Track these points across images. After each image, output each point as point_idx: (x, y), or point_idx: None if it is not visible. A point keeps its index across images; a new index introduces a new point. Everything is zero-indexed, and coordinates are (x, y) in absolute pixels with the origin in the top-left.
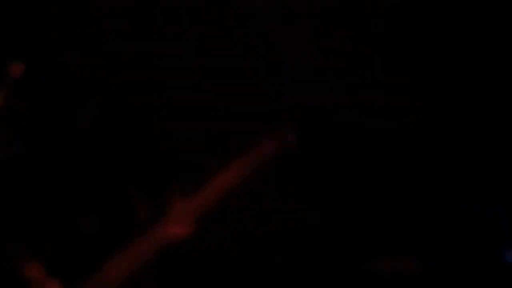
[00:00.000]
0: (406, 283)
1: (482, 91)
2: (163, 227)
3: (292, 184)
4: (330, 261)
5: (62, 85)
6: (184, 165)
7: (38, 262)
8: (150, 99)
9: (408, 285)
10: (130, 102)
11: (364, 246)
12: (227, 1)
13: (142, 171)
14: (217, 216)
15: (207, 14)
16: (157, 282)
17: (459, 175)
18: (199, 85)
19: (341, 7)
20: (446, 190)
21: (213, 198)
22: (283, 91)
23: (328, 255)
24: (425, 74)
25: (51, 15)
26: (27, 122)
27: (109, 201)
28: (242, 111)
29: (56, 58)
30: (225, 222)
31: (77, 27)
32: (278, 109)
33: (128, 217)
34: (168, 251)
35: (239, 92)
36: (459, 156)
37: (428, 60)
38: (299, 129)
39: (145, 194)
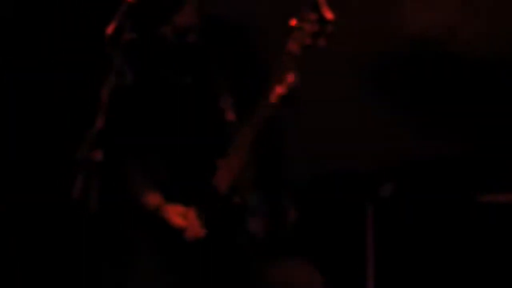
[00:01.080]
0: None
1: None
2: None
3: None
4: (439, 190)
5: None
6: None
7: (155, 189)
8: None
9: None
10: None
11: (475, 177)
12: None
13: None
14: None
15: None
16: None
17: None
18: None
19: None
20: None
21: None
22: None
23: (437, 184)
24: None
25: None
26: (138, 51)
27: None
28: None
29: None
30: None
31: None
32: None
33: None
34: None
35: None
36: None
37: None
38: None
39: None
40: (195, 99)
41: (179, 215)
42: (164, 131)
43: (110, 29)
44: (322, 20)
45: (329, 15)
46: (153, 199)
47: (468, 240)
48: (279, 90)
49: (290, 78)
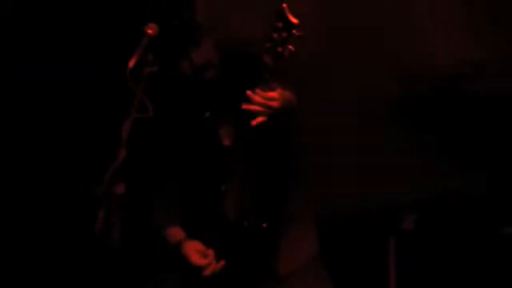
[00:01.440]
0: None
1: None
2: None
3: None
4: (463, 225)
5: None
6: None
7: (178, 225)
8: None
9: None
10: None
11: (497, 210)
12: None
13: None
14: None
15: None
16: None
17: None
18: None
19: None
20: None
21: None
22: None
23: (462, 219)
24: None
25: None
26: (158, 85)
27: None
28: None
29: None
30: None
31: None
32: None
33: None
34: None
35: None
36: None
37: None
38: None
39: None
40: (211, 130)
41: (198, 253)
42: (182, 163)
43: (131, 63)
44: (288, 26)
45: (293, 20)
46: (174, 233)
47: (491, 273)
48: (260, 101)
49: (277, 92)
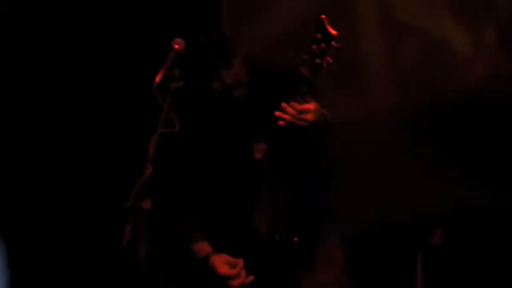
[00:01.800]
0: None
1: None
2: None
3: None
4: (491, 239)
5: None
6: None
7: (205, 240)
8: None
9: None
10: None
11: None
12: None
13: None
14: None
15: None
16: None
17: None
18: None
19: None
20: None
21: None
22: None
23: (489, 233)
24: None
25: None
26: (185, 100)
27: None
28: None
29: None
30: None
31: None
32: None
33: None
34: None
35: None
36: None
37: None
38: None
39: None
40: (237, 146)
41: (226, 264)
42: (209, 177)
43: (158, 78)
44: (327, 38)
45: (332, 31)
46: (202, 247)
47: None
48: (294, 113)
49: (311, 105)
